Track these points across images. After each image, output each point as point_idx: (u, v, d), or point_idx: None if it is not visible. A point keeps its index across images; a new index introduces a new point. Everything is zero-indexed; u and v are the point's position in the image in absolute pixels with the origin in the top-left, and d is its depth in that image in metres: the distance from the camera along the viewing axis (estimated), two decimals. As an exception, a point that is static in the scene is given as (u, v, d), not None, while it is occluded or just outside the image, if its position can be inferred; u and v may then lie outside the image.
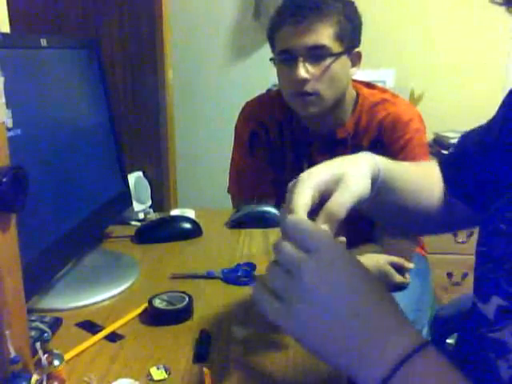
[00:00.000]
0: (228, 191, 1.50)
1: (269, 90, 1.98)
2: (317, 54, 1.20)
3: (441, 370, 0.46)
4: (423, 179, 0.78)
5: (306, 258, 0.48)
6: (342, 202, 0.58)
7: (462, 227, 0.84)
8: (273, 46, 1.29)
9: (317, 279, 0.47)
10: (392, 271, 1.24)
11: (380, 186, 0.66)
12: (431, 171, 0.80)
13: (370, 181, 0.63)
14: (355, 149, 1.34)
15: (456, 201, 0.76)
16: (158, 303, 0.84)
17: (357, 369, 0.46)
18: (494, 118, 0.74)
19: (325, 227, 0.56)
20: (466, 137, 0.79)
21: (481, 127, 0.77)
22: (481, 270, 0.60)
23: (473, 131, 0.78)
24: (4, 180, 0.55)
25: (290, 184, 0.63)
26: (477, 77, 2.47)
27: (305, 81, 1.21)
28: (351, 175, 0.61)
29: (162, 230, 1.21)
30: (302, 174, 0.62)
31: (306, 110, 1.25)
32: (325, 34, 1.19)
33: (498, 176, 0.65)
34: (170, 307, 0.84)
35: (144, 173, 1.52)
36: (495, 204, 0.61)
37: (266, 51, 1.33)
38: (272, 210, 1.25)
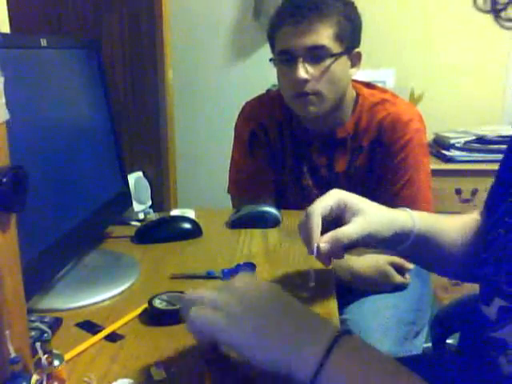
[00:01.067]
0: (228, 191, 1.50)
1: (269, 90, 1.98)
2: (316, 54, 1.20)
3: (366, 349, 0.52)
4: (461, 231, 0.80)
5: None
6: (349, 234, 0.70)
7: None
8: (272, 47, 1.28)
9: (245, 284, 0.58)
10: (392, 271, 1.24)
11: (416, 238, 0.73)
12: (469, 222, 0.81)
13: (392, 228, 0.72)
14: (355, 149, 1.35)
15: None
16: (157, 303, 0.84)
17: (291, 361, 0.51)
18: None
19: (325, 245, 0.70)
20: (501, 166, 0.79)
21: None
22: (483, 274, 0.61)
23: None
24: (4, 180, 0.55)
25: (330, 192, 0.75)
26: (477, 77, 2.47)
27: (305, 81, 1.20)
28: (372, 213, 0.72)
29: (162, 230, 1.21)
30: (332, 191, 0.74)
31: (306, 111, 1.25)
32: (324, 35, 1.19)
33: None
34: (170, 307, 0.84)
35: (144, 173, 1.52)
36: (498, 211, 0.61)
37: (266, 51, 1.33)
38: (272, 210, 1.25)
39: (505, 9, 0.50)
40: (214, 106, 2.61)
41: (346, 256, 1.20)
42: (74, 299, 0.90)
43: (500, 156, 0.76)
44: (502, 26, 0.52)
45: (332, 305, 0.88)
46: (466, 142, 2.24)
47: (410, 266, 1.28)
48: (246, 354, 0.55)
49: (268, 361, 0.53)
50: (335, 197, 0.71)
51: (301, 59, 1.20)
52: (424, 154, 1.31)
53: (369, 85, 1.39)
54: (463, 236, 0.79)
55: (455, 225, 0.81)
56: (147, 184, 1.48)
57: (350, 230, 0.70)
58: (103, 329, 0.80)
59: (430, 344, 1.13)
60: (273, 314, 0.54)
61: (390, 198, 1.27)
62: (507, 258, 0.56)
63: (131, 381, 0.66)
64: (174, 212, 1.34)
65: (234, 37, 2.57)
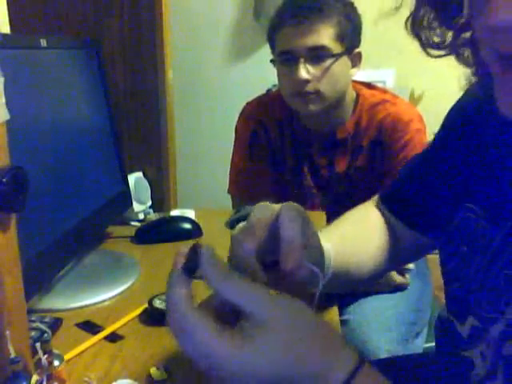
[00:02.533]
0: (228, 192, 1.50)
1: (269, 90, 1.98)
2: (317, 54, 1.20)
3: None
4: (365, 237, 0.76)
5: None
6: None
7: (412, 258, 0.83)
8: (273, 47, 1.28)
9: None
10: (392, 272, 1.24)
11: (333, 271, 0.64)
12: (369, 215, 0.80)
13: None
14: (355, 149, 1.35)
15: (403, 233, 0.76)
16: (157, 303, 0.84)
17: None
18: (436, 139, 0.74)
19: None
20: (407, 168, 0.82)
21: (418, 158, 0.79)
22: (450, 289, 0.60)
23: (410, 164, 0.81)
24: (4, 180, 0.55)
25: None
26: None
27: (306, 81, 1.21)
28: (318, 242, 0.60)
29: (162, 231, 1.21)
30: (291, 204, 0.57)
31: (306, 109, 1.25)
32: (325, 35, 1.19)
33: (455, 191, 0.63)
34: (170, 307, 0.83)
35: (144, 173, 1.52)
36: (452, 223, 0.60)
37: (266, 51, 1.33)
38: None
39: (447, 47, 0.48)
40: (214, 106, 2.61)
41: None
42: (74, 299, 0.90)
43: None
44: (428, 54, 0.50)
45: (332, 306, 0.88)
46: (466, 142, 2.24)
47: (410, 266, 1.28)
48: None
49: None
50: (301, 210, 0.56)
51: (302, 59, 1.20)
52: (424, 154, 1.30)
53: (369, 85, 1.39)
54: (372, 235, 0.76)
55: (359, 229, 0.77)
56: (147, 184, 1.48)
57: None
58: (103, 329, 0.80)
59: (433, 344, 1.12)
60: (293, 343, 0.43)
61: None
62: (472, 276, 0.55)
63: (131, 381, 0.66)
64: (174, 212, 1.33)
65: (234, 37, 2.57)
